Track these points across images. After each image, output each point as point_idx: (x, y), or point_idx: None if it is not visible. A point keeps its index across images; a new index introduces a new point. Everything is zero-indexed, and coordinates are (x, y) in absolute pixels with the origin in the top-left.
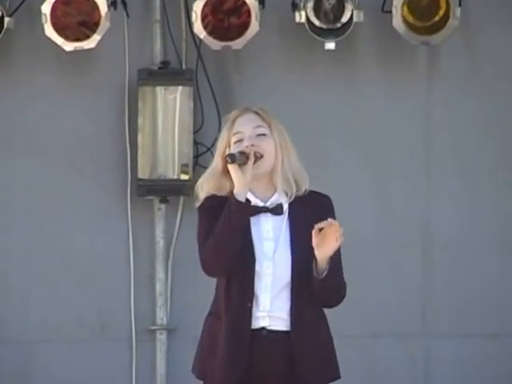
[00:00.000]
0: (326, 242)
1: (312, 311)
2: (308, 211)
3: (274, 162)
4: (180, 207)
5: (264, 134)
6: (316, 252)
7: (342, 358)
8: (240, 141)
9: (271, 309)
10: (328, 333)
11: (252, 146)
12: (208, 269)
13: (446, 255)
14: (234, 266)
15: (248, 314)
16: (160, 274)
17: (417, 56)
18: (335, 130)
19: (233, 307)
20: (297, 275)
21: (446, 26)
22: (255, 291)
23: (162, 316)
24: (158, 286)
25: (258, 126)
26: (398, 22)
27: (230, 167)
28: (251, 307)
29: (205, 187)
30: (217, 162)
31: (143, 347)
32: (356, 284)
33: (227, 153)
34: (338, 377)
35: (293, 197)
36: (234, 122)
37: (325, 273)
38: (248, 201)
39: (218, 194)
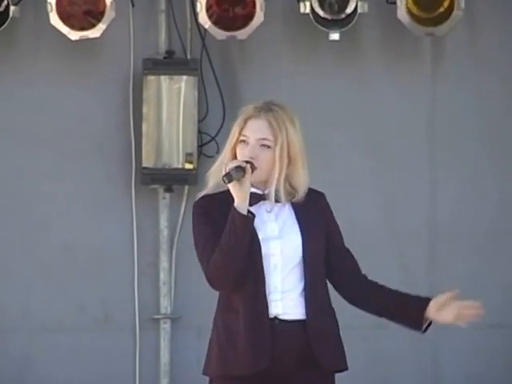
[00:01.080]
0: (448, 313)
1: (324, 294)
2: (308, 203)
3: (269, 173)
4: (184, 196)
5: (268, 146)
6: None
7: (349, 348)
8: (244, 142)
9: (283, 288)
10: (337, 323)
11: (251, 158)
12: (217, 286)
13: (451, 244)
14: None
15: (263, 300)
16: (164, 262)
17: (421, 47)
18: (339, 120)
19: (247, 296)
20: (308, 254)
21: (451, 18)
22: (265, 274)
23: (165, 305)
24: (162, 275)
25: (264, 139)
26: (402, 13)
27: (229, 185)
28: (265, 291)
29: (212, 179)
30: (225, 155)
31: (147, 336)
32: None
33: (224, 173)
34: (347, 368)
35: (283, 201)
36: (246, 121)
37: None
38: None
39: (218, 190)
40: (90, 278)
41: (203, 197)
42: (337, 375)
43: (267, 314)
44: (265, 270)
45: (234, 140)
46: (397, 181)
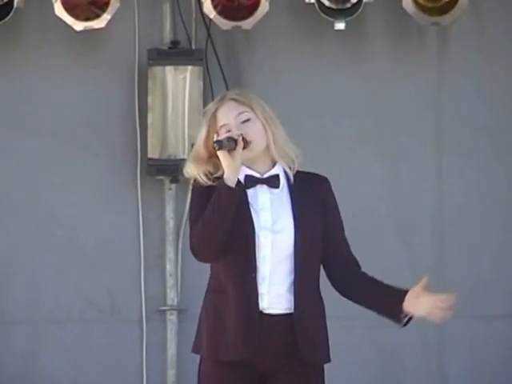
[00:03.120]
0: (423, 305)
1: (313, 290)
2: (308, 190)
3: (266, 140)
4: (190, 187)
5: (248, 119)
6: (409, 304)
7: (354, 339)
8: (229, 132)
9: (270, 280)
10: (324, 317)
11: (241, 134)
12: (198, 255)
13: (457, 235)
14: (225, 251)
15: (254, 286)
16: (170, 254)
17: (427, 37)
18: (345, 109)
19: (237, 279)
20: (300, 247)
21: (456, 7)
22: (256, 262)
23: (172, 296)
24: (169, 267)
25: (241, 113)
26: (407, 2)
27: (219, 153)
28: (255, 277)
29: (190, 172)
30: (198, 151)
31: (154, 328)
32: (367, 265)
33: (215, 139)
34: (329, 360)
35: (294, 166)
36: (215, 114)
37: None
38: (239, 183)
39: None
40: (96, 269)
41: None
42: (340, 366)
43: (257, 302)
44: (256, 258)
45: (204, 135)
46: (403, 172)
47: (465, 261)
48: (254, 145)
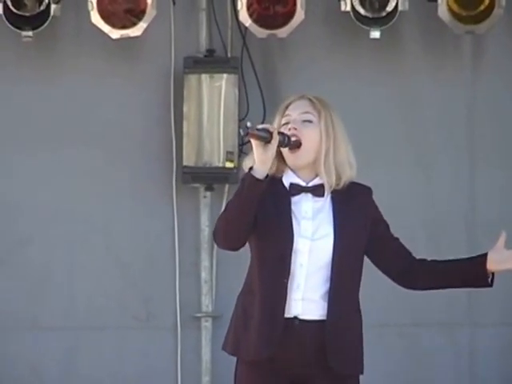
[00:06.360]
0: (508, 259)
1: (350, 300)
2: (350, 200)
3: (318, 151)
4: (225, 195)
5: (310, 121)
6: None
7: (386, 346)
8: (287, 123)
9: (305, 288)
10: (360, 328)
11: (295, 129)
12: (217, 240)
13: (491, 243)
14: (244, 242)
15: (283, 290)
16: (205, 261)
17: (461, 45)
18: (379, 118)
19: (268, 282)
20: (338, 256)
21: (491, 16)
22: (291, 269)
23: (207, 303)
24: (203, 274)
25: (306, 112)
26: (443, 10)
27: (253, 143)
28: (287, 283)
29: (248, 165)
30: None
31: (188, 335)
32: None
33: (248, 125)
34: (361, 371)
35: (332, 187)
36: (287, 106)
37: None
38: (267, 177)
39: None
40: (131, 276)
41: None
42: (372, 373)
43: (283, 307)
44: (292, 264)
45: (276, 127)
46: (436, 179)
47: None
48: (302, 150)
